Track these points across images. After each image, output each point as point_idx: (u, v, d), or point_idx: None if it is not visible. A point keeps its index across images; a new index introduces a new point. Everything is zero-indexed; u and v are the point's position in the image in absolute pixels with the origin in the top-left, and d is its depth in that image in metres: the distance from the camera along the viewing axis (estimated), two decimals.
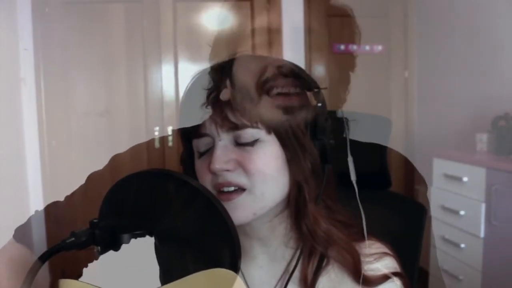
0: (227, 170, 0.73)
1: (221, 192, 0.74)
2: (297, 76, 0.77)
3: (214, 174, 0.74)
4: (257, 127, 0.73)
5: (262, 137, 0.74)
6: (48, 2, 2.89)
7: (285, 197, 0.77)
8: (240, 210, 0.73)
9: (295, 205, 0.77)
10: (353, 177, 0.79)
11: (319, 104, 0.76)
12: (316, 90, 0.77)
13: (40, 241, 0.96)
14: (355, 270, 0.76)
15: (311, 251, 0.79)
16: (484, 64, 2.71)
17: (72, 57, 2.96)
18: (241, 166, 0.73)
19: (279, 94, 0.74)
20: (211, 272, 0.61)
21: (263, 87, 0.74)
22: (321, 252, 0.78)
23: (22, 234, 0.93)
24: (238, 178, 0.73)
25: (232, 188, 0.73)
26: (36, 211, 0.98)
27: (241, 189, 0.74)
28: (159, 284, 0.65)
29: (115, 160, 1.05)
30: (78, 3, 2.95)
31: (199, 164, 0.77)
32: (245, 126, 0.73)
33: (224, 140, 0.74)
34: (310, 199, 0.76)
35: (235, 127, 0.73)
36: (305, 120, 0.76)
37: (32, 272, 0.60)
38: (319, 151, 0.76)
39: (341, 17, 3.05)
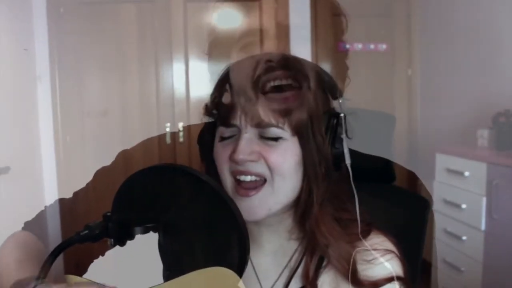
0: (250, 161, 0.75)
1: (240, 185, 0.76)
2: (321, 80, 0.77)
3: (234, 162, 0.75)
4: (283, 128, 0.74)
5: (285, 136, 0.75)
6: (62, 2, 2.95)
7: (296, 196, 0.78)
8: (257, 206, 0.75)
9: (302, 206, 0.79)
10: (347, 161, 0.78)
11: (342, 114, 0.78)
12: (341, 100, 0.79)
13: (48, 236, 0.98)
14: (352, 278, 0.77)
15: (314, 248, 0.80)
16: (485, 62, 2.72)
17: (86, 56, 3.02)
18: (263, 158, 0.75)
19: (273, 88, 0.74)
20: (212, 271, 0.62)
21: (257, 85, 0.74)
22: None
23: (31, 226, 0.95)
24: (259, 168, 0.75)
25: (248, 178, 0.75)
26: (46, 207, 1.00)
27: (260, 182, 0.76)
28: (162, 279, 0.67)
29: (124, 156, 1.08)
30: (91, 3, 3.00)
31: (220, 148, 0.78)
32: (272, 125, 0.74)
33: (249, 133, 0.75)
34: (317, 202, 0.78)
35: (264, 124, 0.74)
36: (325, 127, 0.77)
37: (47, 264, 0.61)
38: (334, 157, 0.77)
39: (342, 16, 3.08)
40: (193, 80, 3.09)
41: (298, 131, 0.75)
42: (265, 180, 0.76)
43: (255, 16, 2.99)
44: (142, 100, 3.10)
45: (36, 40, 2.88)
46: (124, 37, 3.06)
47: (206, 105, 0.81)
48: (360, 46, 3.16)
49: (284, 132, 0.75)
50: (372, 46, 3.21)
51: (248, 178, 0.76)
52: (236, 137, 0.76)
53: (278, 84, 0.74)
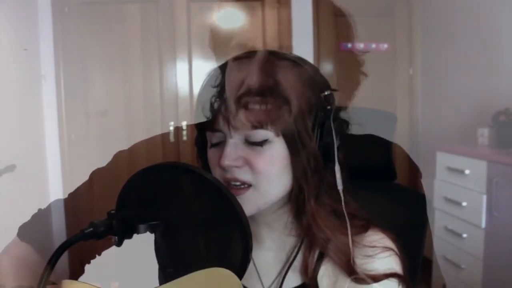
0: (236, 167, 0.75)
1: (230, 186, 0.76)
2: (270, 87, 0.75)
3: (223, 168, 0.76)
4: (267, 129, 0.74)
5: (270, 138, 0.75)
6: (67, 2, 2.97)
7: (288, 193, 0.78)
8: (246, 205, 0.73)
9: (295, 202, 0.79)
10: (339, 187, 0.78)
11: (329, 107, 0.77)
12: (327, 93, 0.78)
13: (45, 236, 0.97)
14: (348, 271, 0.77)
15: (312, 243, 0.81)
16: (485, 62, 2.72)
17: (90, 55, 3.04)
18: (249, 164, 0.75)
19: (251, 109, 0.74)
20: (212, 271, 0.61)
21: (239, 103, 0.74)
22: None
23: (26, 232, 0.94)
24: (244, 175, 0.75)
25: (238, 183, 0.75)
26: (40, 209, 0.98)
27: (247, 185, 0.75)
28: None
29: (121, 156, 1.08)
30: (96, 3, 3.03)
31: (211, 154, 0.79)
32: (255, 128, 0.74)
33: (235, 138, 0.75)
34: (309, 198, 0.77)
35: (246, 127, 0.74)
36: (313, 123, 0.76)
37: (52, 261, 0.62)
38: (324, 151, 0.77)
39: (347, 17, 3.10)
40: (196, 79, 3.11)
41: (283, 132, 0.75)
42: (250, 185, 0.76)
43: (257, 16, 3.01)
44: (146, 99, 3.12)
45: (41, 39, 2.90)
46: (128, 36, 3.08)
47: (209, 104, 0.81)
48: (362, 45, 3.18)
49: (269, 133, 0.74)
50: (373, 46, 3.23)
51: (238, 183, 0.76)
52: (223, 143, 0.77)
53: (257, 107, 0.74)
